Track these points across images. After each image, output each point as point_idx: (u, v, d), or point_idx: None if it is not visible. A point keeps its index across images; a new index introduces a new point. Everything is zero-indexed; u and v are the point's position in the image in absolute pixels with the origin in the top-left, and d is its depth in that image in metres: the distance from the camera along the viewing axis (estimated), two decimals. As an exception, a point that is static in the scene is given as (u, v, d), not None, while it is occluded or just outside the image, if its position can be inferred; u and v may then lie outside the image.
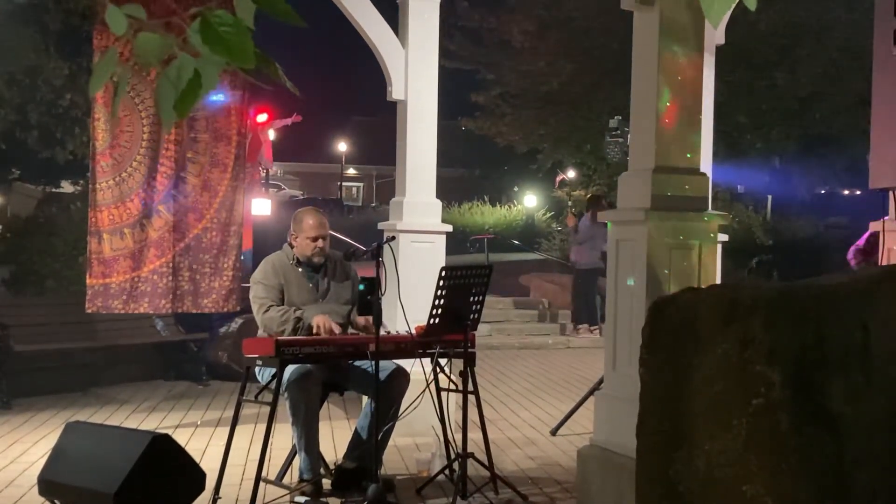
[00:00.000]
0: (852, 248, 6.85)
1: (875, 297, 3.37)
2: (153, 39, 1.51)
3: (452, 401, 5.96)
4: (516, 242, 21.33)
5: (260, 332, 5.41)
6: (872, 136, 4.66)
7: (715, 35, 6.68)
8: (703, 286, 4.56)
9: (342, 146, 46.24)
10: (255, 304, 5.39)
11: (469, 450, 5.22)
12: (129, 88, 6.71)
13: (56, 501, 4.67)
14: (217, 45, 1.49)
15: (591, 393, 6.99)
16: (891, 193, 4.96)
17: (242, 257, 7.42)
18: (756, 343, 3.22)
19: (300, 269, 5.48)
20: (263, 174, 14.07)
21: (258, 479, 4.99)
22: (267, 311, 5.31)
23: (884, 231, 5.37)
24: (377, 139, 37.64)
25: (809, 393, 3.20)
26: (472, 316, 5.23)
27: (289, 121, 13.68)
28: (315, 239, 5.42)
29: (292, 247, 5.49)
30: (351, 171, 49.24)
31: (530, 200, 29.69)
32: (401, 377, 5.36)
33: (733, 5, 1.72)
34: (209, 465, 5.19)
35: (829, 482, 3.18)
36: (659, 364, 3.60)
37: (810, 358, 3.23)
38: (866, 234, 6.78)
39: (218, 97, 7.03)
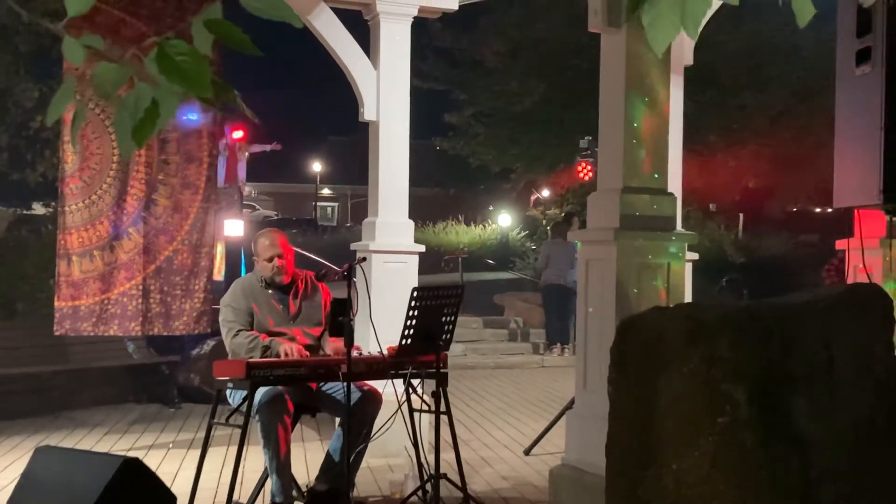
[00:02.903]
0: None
1: (838, 315, 3.42)
2: (110, 69, 1.51)
3: (426, 421, 5.95)
4: (490, 262, 21.38)
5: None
6: (836, 155, 4.72)
7: (683, 56, 6.75)
8: (671, 305, 4.60)
9: (317, 166, 46.13)
10: (223, 327, 5.37)
11: (442, 470, 5.20)
12: (100, 111, 6.70)
13: (24, 527, 4.62)
14: (173, 74, 1.50)
15: (563, 412, 6.99)
16: (855, 212, 5.02)
17: (215, 279, 7.40)
18: (721, 362, 3.25)
19: (270, 291, 5.46)
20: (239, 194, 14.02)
21: (230, 502, 4.97)
22: (235, 335, 5.28)
23: (849, 250, 5.43)
24: (352, 159, 37.45)
25: (774, 411, 3.24)
26: (444, 336, 5.23)
27: (268, 147, 13.63)
28: (270, 259, 5.38)
29: (261, 269, 5.48)
30: (326, 192, 49.15)
31: (504, 220, 29.71)
32: (373, 398, 5.35)
33: (676, 35, 1.76)
34: (180, 489, 5.15)
35: (795, 499, 3.21)
36: (627, 383, 3.63)
37: (775, 376, 3.27)
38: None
39: (190, 118, 7.02)
